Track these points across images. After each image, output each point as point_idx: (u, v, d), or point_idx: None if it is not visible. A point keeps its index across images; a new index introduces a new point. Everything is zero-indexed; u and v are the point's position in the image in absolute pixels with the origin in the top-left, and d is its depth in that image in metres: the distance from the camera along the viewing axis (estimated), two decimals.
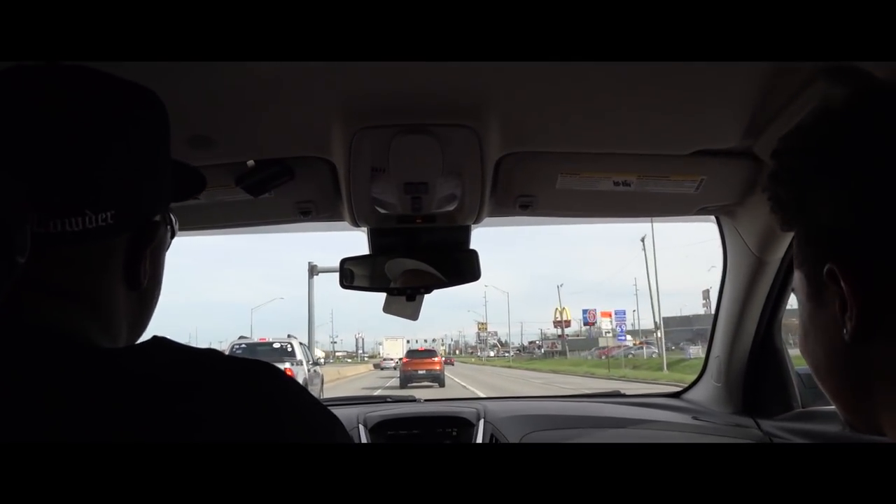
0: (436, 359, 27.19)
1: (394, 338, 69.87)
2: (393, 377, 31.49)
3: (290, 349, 16.42)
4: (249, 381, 0.59)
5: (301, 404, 0.61)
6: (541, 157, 1.47)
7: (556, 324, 63.30)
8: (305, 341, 21.15)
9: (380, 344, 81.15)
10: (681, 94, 1.22)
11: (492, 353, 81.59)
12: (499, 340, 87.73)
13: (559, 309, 63.26)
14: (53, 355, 0.56)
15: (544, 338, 79.05)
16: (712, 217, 1.85)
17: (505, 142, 1.38)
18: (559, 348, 63.24)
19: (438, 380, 24.36)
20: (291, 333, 20.66)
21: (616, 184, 1.56)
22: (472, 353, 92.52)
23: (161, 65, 1.01)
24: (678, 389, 2.37)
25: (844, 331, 0.53)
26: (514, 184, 1.55)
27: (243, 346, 17.27)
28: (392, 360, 51.47)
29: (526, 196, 1.60)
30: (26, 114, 0.60)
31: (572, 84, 1.18)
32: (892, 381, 0.51)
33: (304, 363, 15.93)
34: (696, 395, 2.20)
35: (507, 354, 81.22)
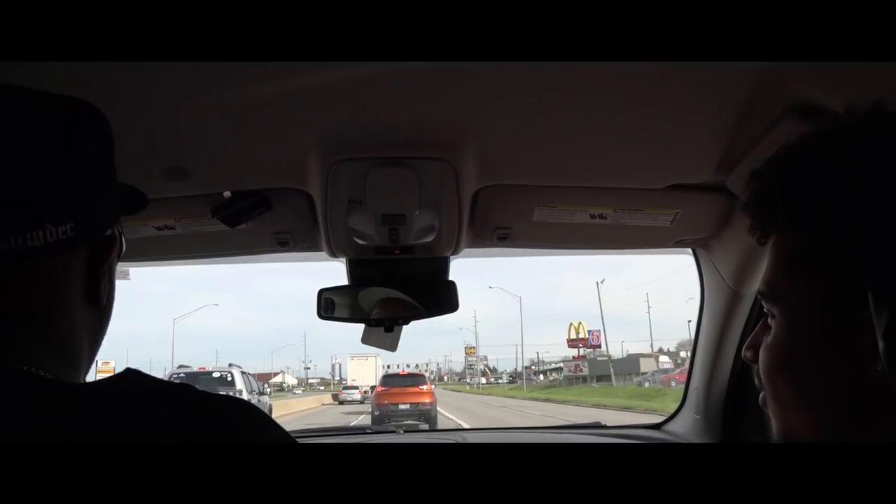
0: (424, 387, 19.30)
1: (362, 356, 48.97)
2: (361, 413, 23.05)
3: (229, 378, 16.39)
4: (222, 418, 0.58)
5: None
6: (517, 189, 1.48)
7: (573, 343, 51.12)
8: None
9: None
10: (654, 129, 1.23)
11: (483, 380, 69.74)
12: (487, 366, 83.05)
13: (575, 325, 51.32)
14: (19, 395, 0.55)
15: (554, 362, 67.26)
16: (689, 250, 1.87)
17: (481, 175, 1.39)
18: (584, 371, 49.32)
19: (428, 418, 17.51)
20: (233, 362, 20.47)
21: (592, 216, 1.57)
22: (459, 379, 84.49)
23: (137, 97, 1.03)
24: (659, 420, 2.37)
25: (880, 365, 0.49)
26: (491, 216, 1.56)
27: (182, 374, 16.98)
28: (356, 389, 38.54)
29: (503, 228, 1.61)
30: None
31: (547, 119, 1.19)
32: None
33: (245, 392, 15.77)
34: (677, 426, 2.20)
35: (499, 381, 73.12)
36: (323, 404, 35.76)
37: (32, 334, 0.60)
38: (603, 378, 44.30)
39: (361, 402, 33.38)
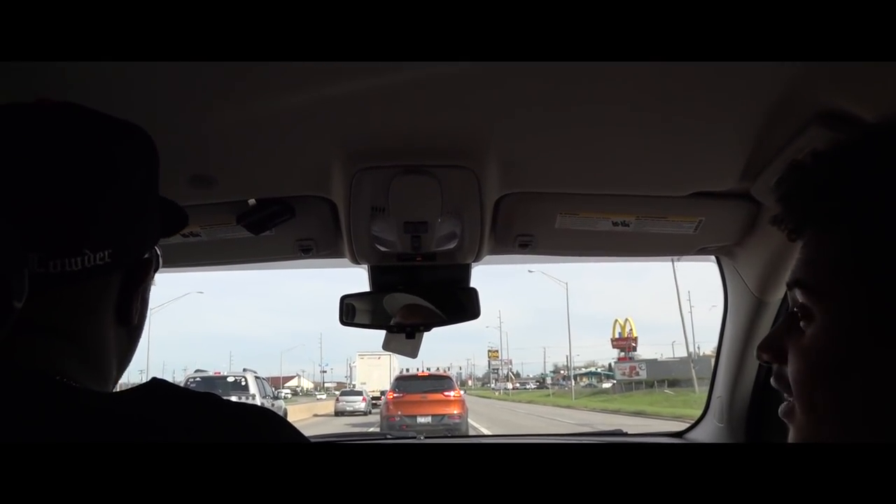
0: (451, 394, 14.66)
1: (374, 355, 41.06)
2: (371, 426, 17.53)
3: (243, 383, 16.86)
4: (244, 426, 0.60)
5: None
6: (539, 197, 1.48)
7: (618, 343, 44.13)
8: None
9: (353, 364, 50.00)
10: (678, 137, 1.23)
11: (510, 386, 63.20)
12: (510, 370, 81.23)
13: (620, 323, 44.52)
14: (49, 401, 0.56)
15: (584, 366, 62.86)
16: (712, 257, 1.85)
17: (504, 183, 1.39)
18: (641, 375, 40.50)
19: (457, 433, 12.90)
20: (248, 367, 20.75)
21: (615, 224, 1.57)
22: (483, 385, 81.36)
23: (164, 105, 1.05)
24: (681, 429, 2.35)
25: None
26: (514, 223, 1.56)
27: (198, 379, 17.63)
28: (360, 395, 29.70)
29: (525, 235, 1.61)
30: (19, 154, 0.60)
31: (570, 126, 1.19)
32: None
33: (258, 397, 16.01)
34: (699, 434, 2.18)
35: (526, 387, 69.43)
36: (315, 416, 27.42)
37: (66, 349, 0.62)
38: (678, 383, 35.57)
39: (367, 414, 26.36)
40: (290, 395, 57.89)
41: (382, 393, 19.97)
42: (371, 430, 15.20)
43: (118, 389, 0.69)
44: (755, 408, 1.92)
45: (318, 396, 56.43)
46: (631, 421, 19.35)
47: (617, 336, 44.96)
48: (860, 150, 0.55)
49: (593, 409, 27.94)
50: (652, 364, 42.26)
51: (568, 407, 31.91)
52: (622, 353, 44.52)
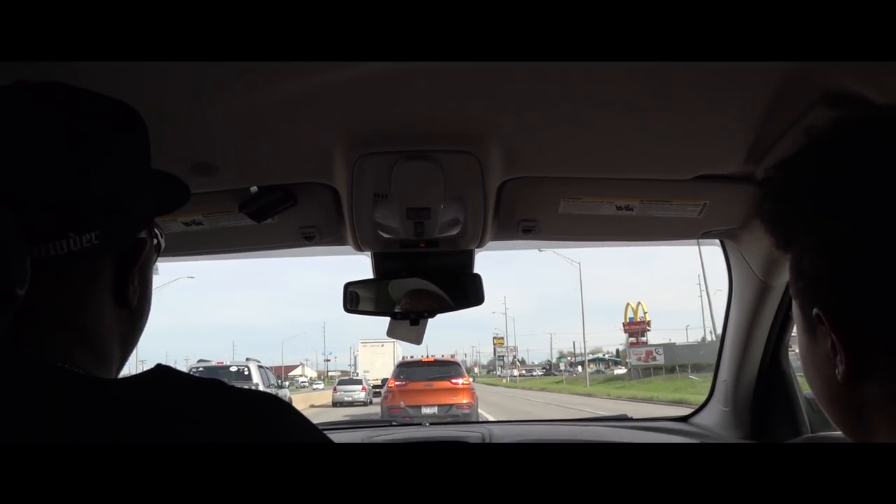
0: (460, 381, 13.40)
1: (377, 343, 39.94)
2: (372, 416, 16.73)
3: (246, 372, 16.82)
4: (251, 412, 0.59)
5: (303, 438, 0.61)
6: (543, 182, 1.47)
7: (630, 327, 41.23)
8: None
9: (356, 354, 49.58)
10: (682, 119, 1.22)
11: (515, 373, 63.87)
12: (516, 357, 78.02)
13: (632, 306, 41.40)
14: (49, 387, 0.56)
15: (590, 352, 61.20)
16: (717, 241, 1.85)
17: (506, 167, 1.39)
18: (658, 359, 37.28)
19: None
20: (251, 357, 20.62)
21: (618, 208, 1.56)
22: (488, 372, 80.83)
23: (165, 94, 1.04)
24: (686, 413, 2.35)
25: (837, 371, 0.54)
26: (517, 208, 1.56)
27: (201, 368, 17.53)
28: (359, 385, 28.06)
29: (528, 220, 1.60)
30: (1, 137, 0.59)
31: (573, 110, 1.19)
32: (888, 419, 0.52)
33: (262, 386, 15.55)
34: (704, 419, 2.18)
35: (532, 374, 69.60)
36: (312, 406, 25.29)
37: (63, 335, 0.61)
38: (701, 368, 32.30)
39: (367, 404, 24.89)
40: (306, 384, 57.28)
41: (384, 381, 18.47)
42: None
43: (122, 376, 0.69)
44: (760, 392, 1.92)
45: (315, 386, 54.82)
46: (673, 410, 13.88)
47: (629, 320, 42.17)
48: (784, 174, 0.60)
49: (618, 398, 25.83)
50: (669, 348, 39.59)
51: (588, 395, 29.72)
52: (632, 339, 42.11)
